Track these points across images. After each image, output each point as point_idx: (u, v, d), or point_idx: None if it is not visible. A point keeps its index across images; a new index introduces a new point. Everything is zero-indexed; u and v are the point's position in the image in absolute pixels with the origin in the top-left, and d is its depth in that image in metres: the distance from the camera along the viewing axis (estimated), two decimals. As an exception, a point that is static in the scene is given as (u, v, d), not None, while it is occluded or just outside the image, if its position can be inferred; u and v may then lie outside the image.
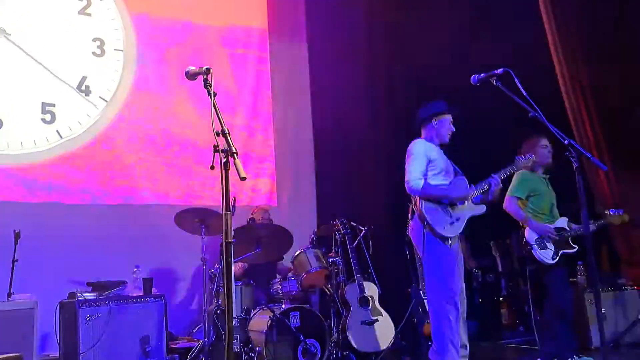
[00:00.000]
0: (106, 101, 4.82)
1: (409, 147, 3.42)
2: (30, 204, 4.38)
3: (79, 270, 4.16)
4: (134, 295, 3.85)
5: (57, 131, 4.58)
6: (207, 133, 2.22)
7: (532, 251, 3.76)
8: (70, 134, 4.63)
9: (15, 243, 3.60)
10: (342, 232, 4.27)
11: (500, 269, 5.68)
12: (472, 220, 5.78)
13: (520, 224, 3.92)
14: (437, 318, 3.25)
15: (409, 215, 3.46)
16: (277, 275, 4.48)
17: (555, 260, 3.74)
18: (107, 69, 4.85)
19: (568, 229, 3.81)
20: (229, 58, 5.46)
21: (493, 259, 5.72)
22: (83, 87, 4.71)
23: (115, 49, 4.91)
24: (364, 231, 4.51)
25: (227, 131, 2.18)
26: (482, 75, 2.78)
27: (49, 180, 4.50)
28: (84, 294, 3.62)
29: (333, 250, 4.39)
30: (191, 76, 2.46)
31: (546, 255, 3.75)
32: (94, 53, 4.80)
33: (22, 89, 4.48)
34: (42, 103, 4.53)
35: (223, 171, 2.12)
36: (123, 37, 4.96)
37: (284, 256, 4.51)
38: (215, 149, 2.15)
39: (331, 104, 5.61)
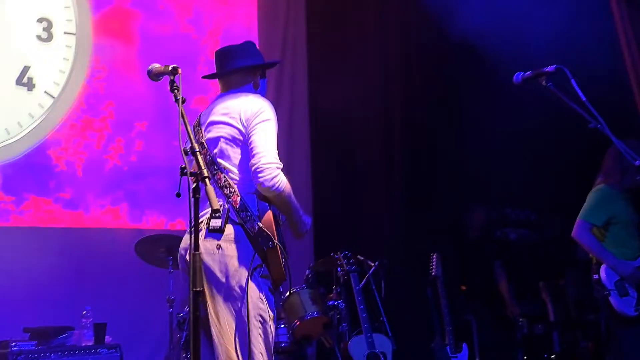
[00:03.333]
0: (53, 97, 4.95)
1: (264, 104, 2.79)
2: (-46, 225, 4.53)
3: (13, 313, 4.26)
4: (83, 345, 3.95)
5: (-8, 134, 4.73)
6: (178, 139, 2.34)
7: (610, 298, 3.72)
8: (7, 138, 4.75)
9: None
10: (345, 268, 4.37)
11: (551, 317, 5.73)
12: (517, 256, 5.90)
13: (594, 260, 3.88)
14: None
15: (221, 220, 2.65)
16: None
17: (638, 313, 3.69)
18: (55, 58, 4.99)
19: None
20: (211, 47, 5.60)
21: (542, 304, 5.77)
22: (25, 80, 4.83)
23: (65, 32, 5.04)
24: (373, 267, 4.60)
25: (197, 149, 2.32)
26: (528, 73, 2.81)
27: (-20, 196, 4.64)
28: (19, 343, 3.72)
29: (334, 292, 4.50)
30: (154, 76, 2.58)
31: (627, 304, 3.71)
32: (38, 37, 4.94)
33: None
34: (-27, 99, 4.68)
35: (192, 199, 2.25)
36: (75, 16, 5.10)
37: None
38: (183, 171, 2.29)
39: (332, 104, 5.73)
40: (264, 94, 2.95)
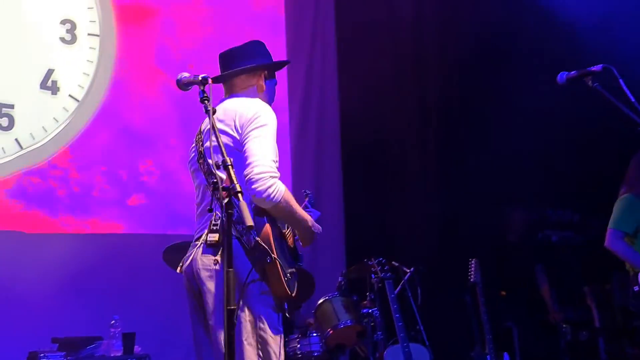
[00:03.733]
0: (78, 101, 5.01)
1: (260, 108, 2.71)
2: (-20, 233, 4.61)
3: (41, 322, 4.33)
4: (112, 355, 4.00)
5: (16, 140, 4.79)
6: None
7: None
8: (32, 143, 4.83)
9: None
10: (379, 275, 4.35)
11: (597, 323, 5.66)
12: (560, 260, 5.83)
13: (631, 271, 3.94)
14: None
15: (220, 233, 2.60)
16: (294, 331, 4.59)
17: None
18: (79, 60, 5.04)
19: None
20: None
21: (587, 310, 5.71)
22: (49, 84, 4.90)
23: (89, 34, 5.10)
24: (409, 274, 4.59)
25: (229, 163, 2.32)
26: (573, 73, 2.81)
27: (5, 202, 4.71)
28: (47, 354, 3.79)
29: (368, 299, 4.48)
30: (183, 86, 2.59)
31: None
32: (62, 39, 5.00)
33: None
34: (-3, 104, 4.76)
35: (224, 215, 2.26)
36: (99, 17, 5.15)
37: (303, 305, 4.62)
38: (215, 186, 2.29)
39: (363, 103, 5.70)
40: (271, 96, 2.89)
